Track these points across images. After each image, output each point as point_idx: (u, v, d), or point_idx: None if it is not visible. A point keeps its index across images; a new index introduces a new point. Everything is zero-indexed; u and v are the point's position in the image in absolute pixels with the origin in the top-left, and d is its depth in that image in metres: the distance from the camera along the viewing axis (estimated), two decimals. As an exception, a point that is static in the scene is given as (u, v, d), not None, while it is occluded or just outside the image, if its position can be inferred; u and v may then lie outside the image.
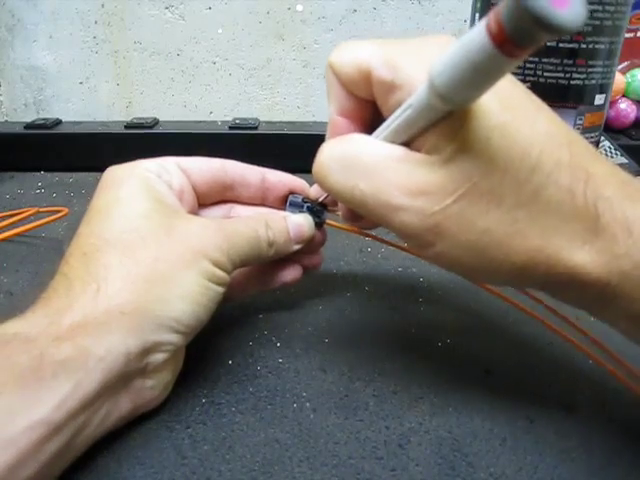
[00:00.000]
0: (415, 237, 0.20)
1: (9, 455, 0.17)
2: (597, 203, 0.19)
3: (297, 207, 0.29)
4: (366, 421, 0.23)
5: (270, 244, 0.26)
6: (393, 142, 0.21)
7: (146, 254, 0.22)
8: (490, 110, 0.19)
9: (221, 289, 0.23)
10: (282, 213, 0.28)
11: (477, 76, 0.16)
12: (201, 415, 0.23)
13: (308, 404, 0.24)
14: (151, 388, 0.22)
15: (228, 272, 0.24)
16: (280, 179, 0.29)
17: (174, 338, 0.22)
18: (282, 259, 0.29)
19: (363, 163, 0.20)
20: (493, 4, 0.44)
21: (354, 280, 0.34)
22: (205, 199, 0.28)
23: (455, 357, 0.27)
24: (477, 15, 0.47)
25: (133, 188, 0.24)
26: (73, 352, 0.19)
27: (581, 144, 0.20)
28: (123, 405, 0.21)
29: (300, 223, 0.28)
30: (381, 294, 0.33)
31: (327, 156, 0.22)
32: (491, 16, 0.14)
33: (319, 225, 0.29)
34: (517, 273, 0.20)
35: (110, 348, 0.20)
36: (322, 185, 0.22)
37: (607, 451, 0.22)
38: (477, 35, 0.14)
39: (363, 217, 0.26)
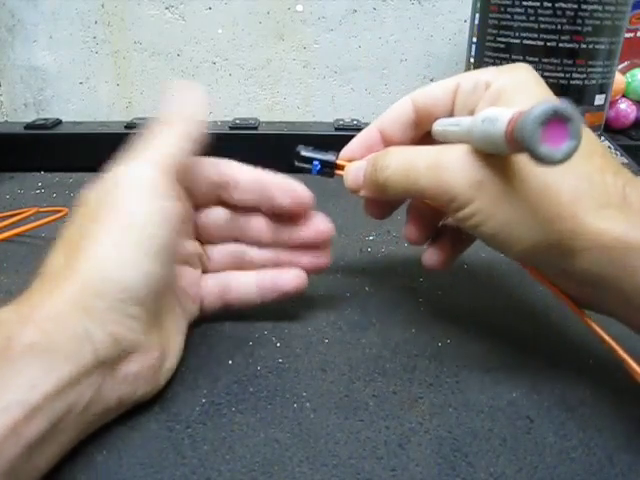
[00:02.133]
0: (457, 195, 0.22)
1: None
2: (625, 186, 0.21)
3: (306, 162, 0.29)
4: (366, 421, 0.23)
5: (167, 122, 0.25)
6: (444, 138, 0.26)
7: (76, 238, 0.22)
8: None
9: (165, 232, 0.22)
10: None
11: (493, 147, 0.21)
12: (201, 415, 0.23)
13: (308, 404, 0.24)
14: (135, 375, 0.22)
15: (170, 194, 0.23)
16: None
17: (133, 311, 0.21)
18: (284, 263, 0.28)
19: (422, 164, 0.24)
20: (493, 4, 0.44)
21: (354, 280, 0.34)
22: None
23: (455, 357, 0.27)
24: (477, 15, 0.47)
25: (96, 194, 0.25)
26: (40, 337, 0.19)
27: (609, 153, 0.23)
28: (108, 394, 0.21)
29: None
30: (381, 294, 0.33)
31: (394, 165, 0.25)
32: (512, 121, 0.19)
33: (330, 174, 0.29)
34: (545, 232, 0.21)
35: (74, 334, 0.20)
36: (382, 181, 0.25)
37: (607, 451, 0.22)
38: (502, 123, 0.19)
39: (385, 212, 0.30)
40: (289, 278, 0.28)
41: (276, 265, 0.29)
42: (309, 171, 0.29)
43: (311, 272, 0.29)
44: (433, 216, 0.28)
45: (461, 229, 0.27)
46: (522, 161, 0.21)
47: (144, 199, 0.22)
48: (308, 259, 0.29)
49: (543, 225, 0.21)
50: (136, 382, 0.22)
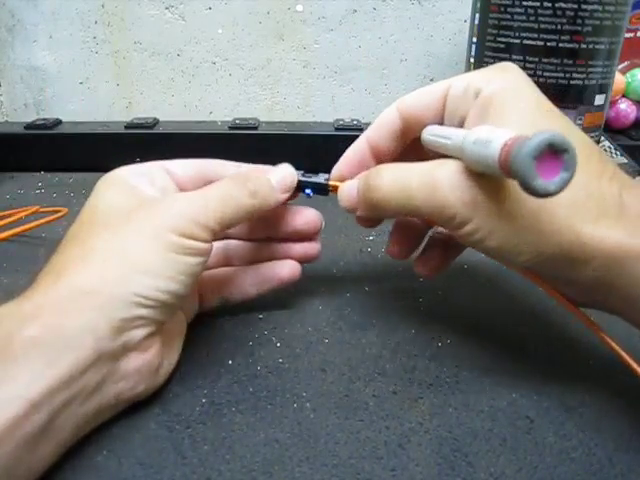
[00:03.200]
0: (454, 214, 0.22)
1: None
2: (622, 191, 0.21)
3: (298, 187, 0.28)
4: (366, 421, 0.23)
5: (252, 195, 0.25)
6: (434, 149, 0.25)
7: (102, 238, 0.22)
8: None
9: (194, 259, 0.23)
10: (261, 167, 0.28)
11: (486, 168, 0.20)
12: (201, 415, 0.23)
13: (308, 404, 0.24)
14: (135, 372, 0.22)
15: (205, 240, 0.23)
16: (256, 168, 0.29)
17: (145, 312, 0.21)
18: (277, 255, 0.29)
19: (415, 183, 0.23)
20: (493, 4, 0.44)
21: (354, 280, 0.34)
22: None
23: (455, 357, 0.27)
24: (477, 15, 0.47)
25: (109, 188, 0.25)
26: (42, 331, 0.19)
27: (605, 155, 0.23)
28: (107, 389, 0.21)
29: (280, 170, 0.28)
30: (381, 294, 0.33)
31: (386, 184, 0.24)
32: (505, 148, 0.18)
33: (324, 192, 0.29)
34: (546, 245, 0.21)
35: (77, 327, 0.20)
36: (375, 201, 0.24)
37: (607, 451, 0.22)
38: (495, 148, 0.19)
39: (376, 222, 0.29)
40: (284, 269, 0.29)
41: (268, 258, 0.29)
42: (302, 192, 0.29)
43: (303, 262, 0.29)
44: (420, 230, 0.28)
45: (451, 238, 0.27)
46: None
47: (186, 232, 0.23)
48: (299, 249, 0.29)
49: (543, 239, 0.21)
50: (135, 379, 0.22)
